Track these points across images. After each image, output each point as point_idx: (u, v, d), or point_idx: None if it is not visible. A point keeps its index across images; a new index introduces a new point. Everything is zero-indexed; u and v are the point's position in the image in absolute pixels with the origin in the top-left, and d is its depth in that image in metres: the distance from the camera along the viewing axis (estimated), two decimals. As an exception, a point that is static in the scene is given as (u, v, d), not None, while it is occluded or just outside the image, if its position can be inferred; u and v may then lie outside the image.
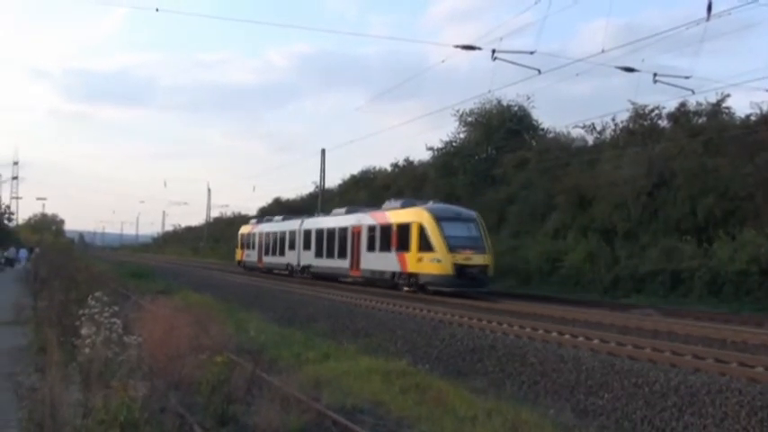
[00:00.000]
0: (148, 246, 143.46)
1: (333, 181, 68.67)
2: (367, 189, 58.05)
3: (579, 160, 36.36)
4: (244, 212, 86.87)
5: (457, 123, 47.15)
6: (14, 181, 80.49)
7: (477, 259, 26.94)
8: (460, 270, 26.60)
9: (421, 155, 60.23)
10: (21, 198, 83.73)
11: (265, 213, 66.69)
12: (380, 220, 31.66)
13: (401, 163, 58.14)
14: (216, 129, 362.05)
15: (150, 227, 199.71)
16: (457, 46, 23.37)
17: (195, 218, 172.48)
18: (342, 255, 34.46)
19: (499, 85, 59.47)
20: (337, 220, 36.17)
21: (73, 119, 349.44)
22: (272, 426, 7.89)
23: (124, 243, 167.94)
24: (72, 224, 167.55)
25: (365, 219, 32.95)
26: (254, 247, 49.02)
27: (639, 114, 35.44)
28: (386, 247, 30.48)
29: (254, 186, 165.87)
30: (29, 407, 5.76)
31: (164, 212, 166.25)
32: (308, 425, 8.48)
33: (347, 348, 14.77)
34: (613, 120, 37.25)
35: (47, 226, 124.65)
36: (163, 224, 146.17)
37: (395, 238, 29.71)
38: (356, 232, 33.30)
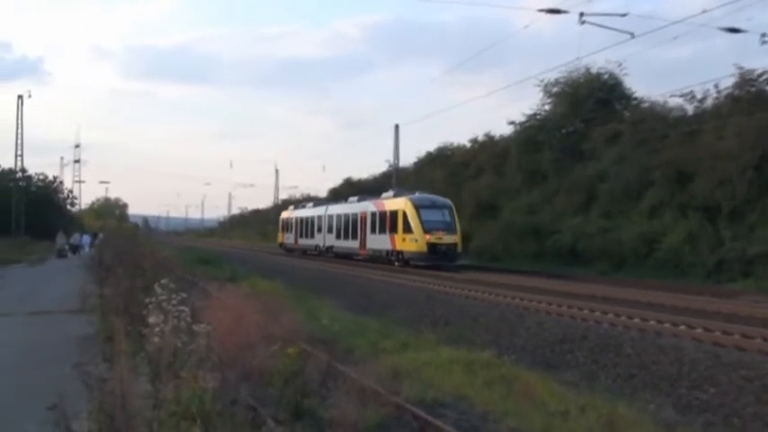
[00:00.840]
0: (214, 230, 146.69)
1: (407, 159, 68.74)
2: (444, 167, 57.94)
3: (678, 132, 35.40)
4: (313, 194, 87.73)
5: (541, 94, 46.81)
6: (76, 164, 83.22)
7: (447, 239, 35.84)
8: (433, 247, 35.50)
9: (502, 129, 59.66)
10: (83, 182, 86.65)
11: (336, 194, 67.90)
12: (379, 207, 40.84)
13: (481, 138, 57.70)
14: (283, 105, 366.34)
15: (216, 210, 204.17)
16: (541, 10, 23.13)
17: (263, 200, 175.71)
18: (354, 237, 44.01)
19: (587, 51, 58.25)
20: (351, 207, 45.95)
21: (135, 98, 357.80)
22: (349, 420, 7.93)
23: (189, 227, 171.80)
24: (135, 208, 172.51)
25: (370, 206, 42.31)
26: (291, 231, 59.16)
27: (746, 80, 34.15)
28: (383, 230, 39.68)
29: (323, 166, 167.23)
30: (98, 397, 5.92)
31: (230, 195, 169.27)
32: (386, 419, 8.49)
33: (427, 338, 14.77)
34: (716, 86, 35.96)
35: (110, 210, 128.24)
36: (229, 207, 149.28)
37: (388, 222, 38.91)
38: (363, 218, 42.63)
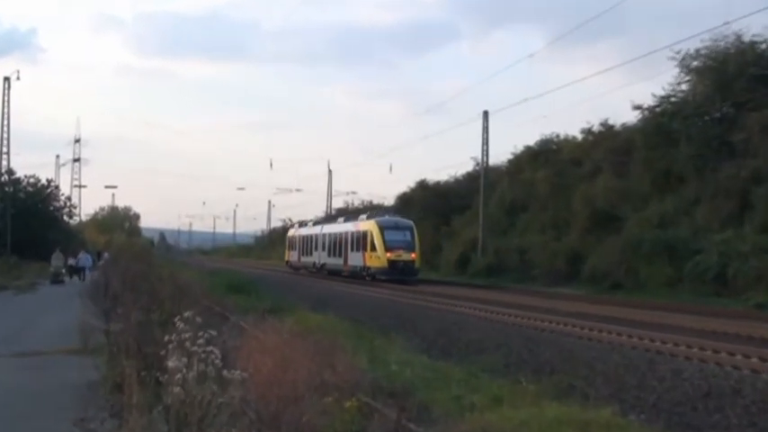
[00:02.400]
0: (250, 248, 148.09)
1: (500, 155, 68.61)
2: (548, 166, 57.79)
3: None
4: (376, 201, 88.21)
5: (677, 70, 46.33)
6: (76, 164, 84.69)
7: (405, 256, 52.77)
8: (393, 263, 52.26)
9: (625, 116, 59.24)
10: (84, 186, 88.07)
11: (406, 202, 68.43)
12: (356, 228, 58.51)
13: (596, 128, 57.37)
14: (338, 87, 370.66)
15: (252, 222, 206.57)
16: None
17: (311, 210, 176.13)
18: (339, 254, 61.46)
19: (739, 13, 57.30)
20: (339, 227, 64.43)
21: (149, 78, 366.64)
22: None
23: (218, 244, 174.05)
24: (150, 220, 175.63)
25: (350, 227, 60.44)
26: (295, 249, 78.42)
27: None
28: (358, 248, 56.82)
29: (390, 165, 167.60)
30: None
31: (269, 203, 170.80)
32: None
33: (526, 390, 14.67)
34: None
35: (118, 223, 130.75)
36: (268, 219, 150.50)
37: (361, 242, 56.24)
38: (346, 237, 60.34)
